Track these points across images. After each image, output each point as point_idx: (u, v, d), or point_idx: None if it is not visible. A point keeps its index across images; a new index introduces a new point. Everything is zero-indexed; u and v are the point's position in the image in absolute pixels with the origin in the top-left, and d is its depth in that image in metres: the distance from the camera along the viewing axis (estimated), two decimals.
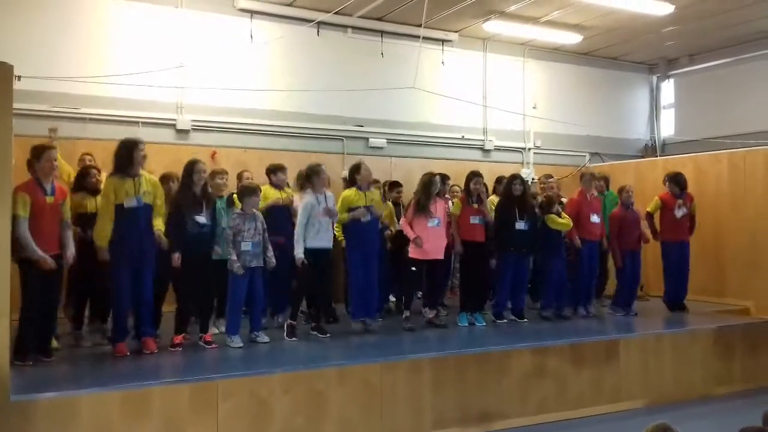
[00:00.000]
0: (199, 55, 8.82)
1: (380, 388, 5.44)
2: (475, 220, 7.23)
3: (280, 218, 6.96)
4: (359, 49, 10.09)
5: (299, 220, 6.41)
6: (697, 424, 5.88)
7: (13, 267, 4.69)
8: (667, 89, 13.07)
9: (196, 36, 8.95)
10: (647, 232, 8.44)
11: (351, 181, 7.15)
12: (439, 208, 7.05)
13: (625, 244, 8.13)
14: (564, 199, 8.24)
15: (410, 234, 6.96)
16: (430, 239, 6.91)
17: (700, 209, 8.66)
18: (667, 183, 8.59)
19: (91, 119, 8.29)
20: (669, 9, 9.62)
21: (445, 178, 7.59)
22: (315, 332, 6.60)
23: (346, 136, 9.98)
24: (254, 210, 6.27)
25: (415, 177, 7.66)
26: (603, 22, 10.43)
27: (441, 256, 7.07)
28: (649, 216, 8.53)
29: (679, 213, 8.35)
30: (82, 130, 8.18)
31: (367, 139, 10.15)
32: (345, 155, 9.74)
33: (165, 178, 6.46)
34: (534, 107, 11.57)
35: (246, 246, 6.08)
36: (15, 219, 4.88)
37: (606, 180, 8.95)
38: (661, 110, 13.09)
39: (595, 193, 8.17)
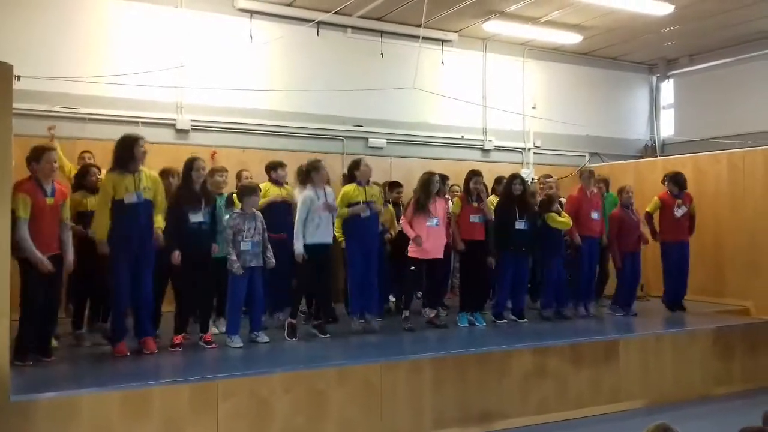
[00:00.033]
0: (198, 55, 8.81)
1: (380, 388, 5.44)
2: (474, 218, 7.23)
3: (281, 215, 6.98)
4: (359, 49, 10.09)
5: (298, 215, 6.41)
6: (696, 425, 5.87)
7: (14, 266, 4.69)
8: (667, 89, 13.08)
9: (196, 36, 8.94)
10: (647, 233, 8.44)
11: (350, 177, 7.16)
12: (438, 207, 7.05)
13: (625, 246, 8.12)
14: (562, 199, 8.24)
15: (410, 233, 6.97)
16: (429, 238, 6.92)
17: (700, 209, 8.67)
18: (666, 183, 8.59)
19: (90, 119, 8.28)
20: (669, 9, 9.63)
21: (444, 178, 7.59)
22: (316, 330, 6.59)
23: (345, 136, 9.98)
24: (254, 209, 6.27)
25: (414, 177, 7.65)
26: (603, 22, 10.44)
27: (441, 256, 7.07)
28: (649, 216, 8.53)
29: (679, 212, 8.35)
30: (81, 130, 8.17)
31: (367, 139, 10.14)
32: (344, 155, 9.73)
33: (165, 173, 6.45)
34: (533, 107, 11.57)
35: (246, 246, 6.08)
36: (15, 219, 4.89)
37: (606, 182, 8.90)
38: (660, 110, 13.09)
39: (595, 190, 8.17)
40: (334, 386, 5.28)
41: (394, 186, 8.43)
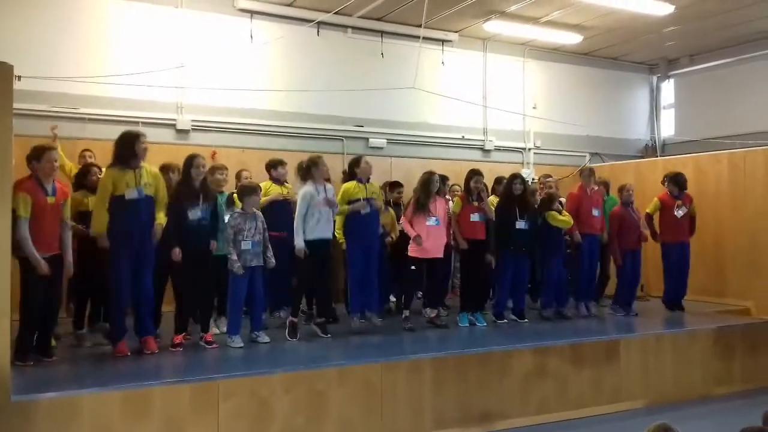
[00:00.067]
0: (199, 55, 8.81)
1: (381, 388, 5.43)
2: (475, 217, 7.23)
3: (281, 213, 6.98)
4: (359, 50, 10.09)
5: (298, 211, 6.39)
6: (697, 425, 5.88)
7: (14, 266, 4.69)
8: (667, 89, 13.07)
9: (196, 36, 8.94)
10: (646, 232, 8.44)
11: (351, 174, 7.15)
12: (439, 207, 7.06)
13: (626, 244, 8.13)
14: (562, 199, 8.24)
15: (410, 232, 6.97)
16: (429, 238, 6.92)
17: (700, 209, 8.66)
18: (666, 183, 8.58)
19: (90, 119, 8.28)
20: (669, 9, 9.63)
21: (444, 178, 7.60)
22: (318, 328, 6.57)
23: (345, 137, 9.97)
24: (254, 209, 6.27)
25: (415, 177, 7.65)
26: (603, 23, 10.43)
27: (441, 255, 7.08)
28: (649, 217, 8.51)
29: (679, 213, 8.34)
30: (81, 130, 8.17)
31: (367, 139, 10.14)
32: (345, 155, 9.71)
33: (165, 169, 6.42)
34: (534, 107, 11.57)
35: (246, 245, 6.08)
36: (16, 219, 4.88)
37: (606, 185, 8.83)
38: (661, 110, 13.09)
39: (596, 188, 8.16)
40: (335, 386, 5.27)
41: (394, 186, 8.43)
